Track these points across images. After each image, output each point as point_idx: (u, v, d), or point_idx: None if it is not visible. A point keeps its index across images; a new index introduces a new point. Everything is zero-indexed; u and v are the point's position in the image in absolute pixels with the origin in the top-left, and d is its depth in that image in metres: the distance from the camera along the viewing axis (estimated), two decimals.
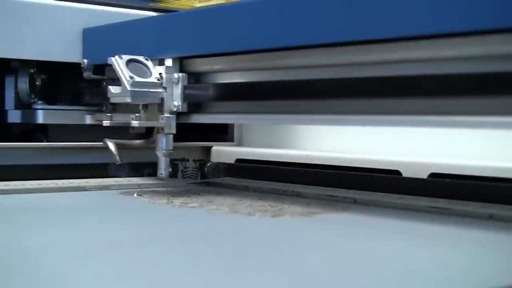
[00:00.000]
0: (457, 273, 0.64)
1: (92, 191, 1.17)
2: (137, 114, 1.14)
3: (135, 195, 1.12)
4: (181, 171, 1.36)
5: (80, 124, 1.29)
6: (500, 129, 0.82)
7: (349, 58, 0.92)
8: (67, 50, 1.26)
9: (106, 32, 1.26)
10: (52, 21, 1.26)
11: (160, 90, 1.11)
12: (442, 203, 0.97)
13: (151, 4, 1.37)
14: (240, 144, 1.43)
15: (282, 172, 1.25)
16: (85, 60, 1.27)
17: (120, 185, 1.21)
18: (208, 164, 1.37)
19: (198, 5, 1.41)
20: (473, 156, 1.04)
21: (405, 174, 1.07)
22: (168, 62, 1.13)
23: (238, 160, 1.34)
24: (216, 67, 1.11)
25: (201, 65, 1.12)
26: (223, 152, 1.37)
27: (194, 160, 1.38)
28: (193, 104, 1.14)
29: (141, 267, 0.65)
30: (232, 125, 1.42)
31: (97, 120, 1.28)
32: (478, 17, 0.76)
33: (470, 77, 0.80)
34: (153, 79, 1.10)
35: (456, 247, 0.76)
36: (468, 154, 1.06)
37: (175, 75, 1.12)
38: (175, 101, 1.12)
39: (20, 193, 1.11)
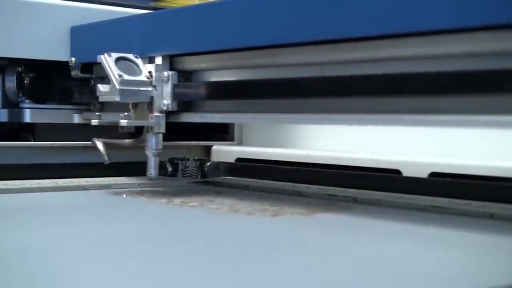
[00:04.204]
0: (457, 273, 0.64)
1: (92, 190, 1.16)
2: (126, 113, 1.12)
3: (124, 195, 1.12)
4: (181, 170, 1.36)
5: (68, 123, 1.28)
6: (487, 128, 0.81)
7: (339, 56, 0.91)
8: (55, 49, 1.25)
9: (95, 30, 1.24)
10: (40, 19, 1.25)
11: (149, 88, 1.09)
12: (442, 202, 0.97)
13: (152, 4, 1.37)
14: (240, 143, 1.43)
15: (283, 171, 1.25)
16: (73, 59, 1.26)
17: (120, 184, 1.21)
18: (209, 163, 1.37)
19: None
20: (473, 156, 1.04)
21: (406, 173, 1.07)
22: (158, 60, 1.11)
23: (238, 159, 1.34)
24: (206, 65, 1.10)
25: (191, 63, 1.11)
26: (224, 151, 1.37)
27: (195, 159, 1.38)
28: (183, 103, 1.12)
29: (141, 266, 0.65)
30: (232, 124, 1.41)
31: (85, 119, 1.27)
32: (466, 14, 0.76)
33: (458, 75, 0.79)
34: (142, 77, 1.08)
35: (456, 247, 0.76)
36: (469, 153, 1.05)
37: (165, 73, 1.11)
38: (165, 100, 1.11)
39: (19, 192, 1.11)
